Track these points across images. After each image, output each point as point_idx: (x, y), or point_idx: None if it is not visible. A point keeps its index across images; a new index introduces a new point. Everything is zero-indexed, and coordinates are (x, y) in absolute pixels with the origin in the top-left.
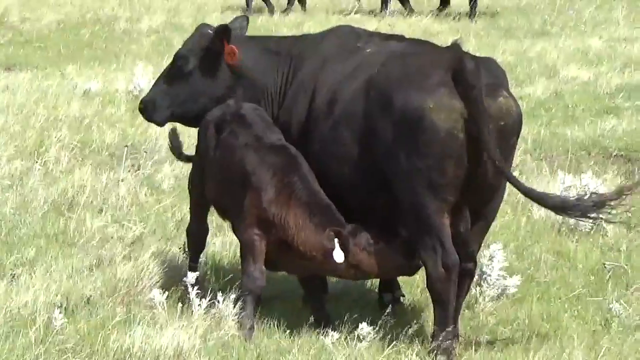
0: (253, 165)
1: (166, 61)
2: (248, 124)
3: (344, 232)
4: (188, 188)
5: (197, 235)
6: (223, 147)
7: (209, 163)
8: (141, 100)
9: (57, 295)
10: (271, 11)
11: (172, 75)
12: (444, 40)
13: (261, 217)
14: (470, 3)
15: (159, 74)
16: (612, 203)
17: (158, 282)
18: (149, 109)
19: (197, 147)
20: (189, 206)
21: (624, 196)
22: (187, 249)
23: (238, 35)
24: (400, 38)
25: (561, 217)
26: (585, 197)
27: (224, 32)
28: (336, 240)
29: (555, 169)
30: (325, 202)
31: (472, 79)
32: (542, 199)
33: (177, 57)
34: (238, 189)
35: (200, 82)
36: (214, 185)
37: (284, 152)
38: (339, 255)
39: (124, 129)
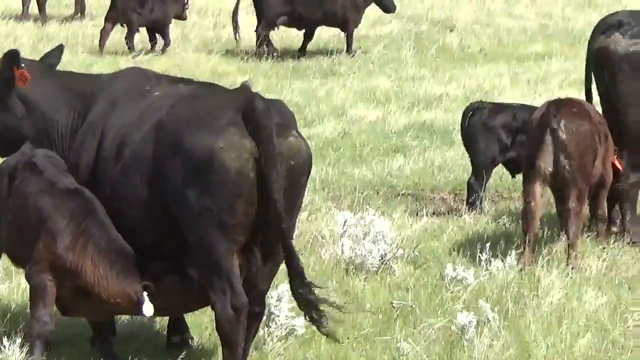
0: (48, 211)
1: None
2: (39, 171)
3: (151, 285)
4: None
5: None
6: (16, 196)
7: (3, 213)
8: None
9: None
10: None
11: None
12: (232, 80)
13: (55, 264)
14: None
15: None
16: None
17: None
18: None
19: None
20: None
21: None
22: None
23: (41, 65)
24: (188, 81)
25: (349, 256)
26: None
27: (11, 56)
28: (145, 293)
29: (342, 208)
30: (125, 248)
31: (263, 119)
32: (293, 272)
33: None
34: (33, 236)
35: None
36: (9, 235)
37: (79, 197)
38: (148, 309)
39: None
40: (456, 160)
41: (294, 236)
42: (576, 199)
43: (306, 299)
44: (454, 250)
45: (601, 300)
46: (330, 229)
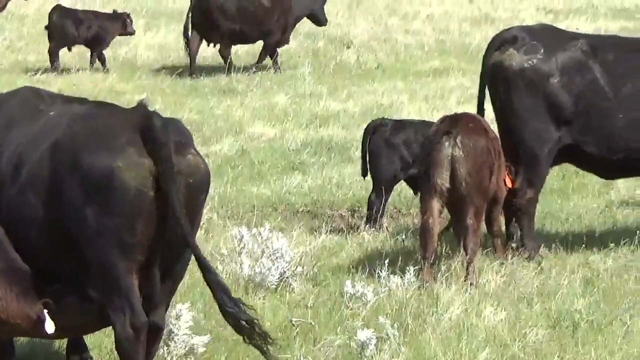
0: None
1: None
2: None
3: (51, 303)
4: None
5: None
6: None
7: None
8: None
9: None
10: None
11: None
12: (130, 99)
13: None
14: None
15: None
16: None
17: None
18: None
19: None
20: None
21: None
22: None
23: None
24: (82, 100)
25: (248, 273)
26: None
27: None
28: (46, 311)
29: (240, 225)
30: (24, 269)
31: (161, 137)
32: (215, 287)
33: None
34: None
35: None
36: None
37: None
38: (49, 327)
39: None
40: (354, 177)
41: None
42: (474, 215)
43: (234, 315)
44: (353, 267)
45: (500, 315)
46: (228, 247)
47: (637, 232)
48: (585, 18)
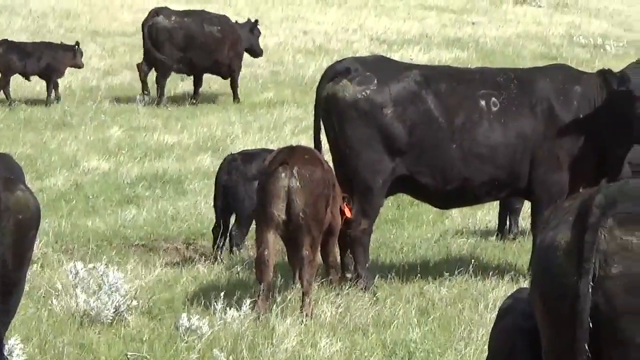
0: None
1: None
2: None
3: None
4: None
5: None
6: None
7: None
8: None
9: None
10: None
11: None
12: None
13: None
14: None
15: None
16: None
17: None
18: None
19: None
20: None
21: None
22: None
23: None
24: None
25: (84, 307)
26: None
27: None
28: None
29: (75, 260)
30: None
31: None
32: None
33: None
34: None
35: None
36: None
37: None
38: None
39: None
40: (189, 210)
41: (24, 290)
42: (309, 246)
43: None
44: (188, 300)
45: (336, 346)
46: (63, 282)
47: (472, 260)
48: (419, 48)
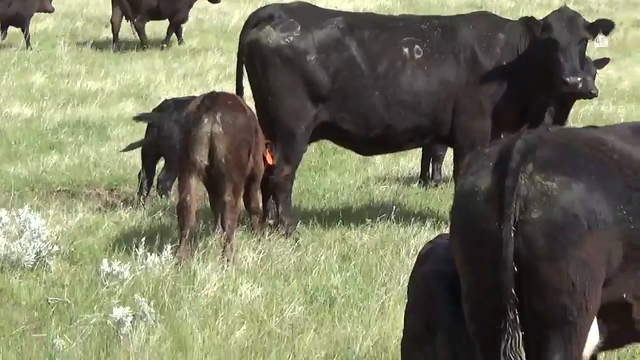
0: None
1: None
2: None
3: None
4: None
5: None
6: None
7: None
8: None
9: None
10: None
11: None
12: None
13: None
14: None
15: None
16: None
17: None
18: None
19: None
20: None
21: None
22: None
23: None
24: None
25: (4, 253)
26: None
27: None
28: None
29: None
30: None
31: None
32: None
33: None
34: None
35: None
36: None
37: None
38: None
39: None
40: (112, 156)
41: None
42: (232, 192)
43: None
44: (110, 245)
45: (257, 292)
46: None
47: (394, 207)
48: None
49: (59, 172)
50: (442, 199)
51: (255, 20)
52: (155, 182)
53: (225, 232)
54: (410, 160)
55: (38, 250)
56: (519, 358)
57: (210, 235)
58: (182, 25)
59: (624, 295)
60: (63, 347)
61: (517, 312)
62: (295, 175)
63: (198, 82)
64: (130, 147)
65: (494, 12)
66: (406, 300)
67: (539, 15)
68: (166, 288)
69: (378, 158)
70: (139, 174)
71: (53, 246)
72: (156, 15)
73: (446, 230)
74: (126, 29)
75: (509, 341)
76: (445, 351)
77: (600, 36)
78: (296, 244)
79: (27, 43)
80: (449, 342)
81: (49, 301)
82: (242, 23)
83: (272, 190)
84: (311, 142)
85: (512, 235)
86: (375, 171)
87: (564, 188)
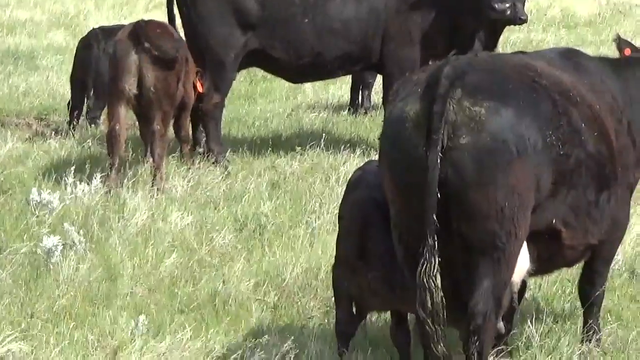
0: None
1: None
2: None
3: None
4: None
5: None
6: None
7: None
8: None
9: None
10: None
11: None
12: None
13: None
14: None
15: None
16: None
17: None
18: None
19: None
20: None
21: None
22: None
23: None
24: None
25: None
26: None
27: None
28: None
29: None
30: None
31: None
32: None
33: None
34: None
35: None
36: None
37: None
38: None
39: None
40: (41, 86)
41: None
42: (161, 120)
43: None
44: (39, 174)
45: (187, 220)
46: None
47: (323, 135)
48: None
49: None
50: (371, 126)
51: None
52: (84, 111)
53: (154, 161)
54: (340, 88)
55: None
56: (432, 283)
57: (140, 163)
58: None
59: (554, 221)
60: None
61: (435, 238)
62: (224, 103)
63: (127, 11)
64: None
65: None
66: (337, 228)
67: None
68: (96, 217)
69: (308, 86)
70: (68, 103)
71: None
72: None
73: (375, 157)
74: None
75: (424, 266)
76: (379, 278)
77: None
78: (226, 172)
79: None
80: (383, 269)
81: None
82: None
83: (201, 118)
84: (241, 70)
85: (439, 161)
86: (305, 99)
87: (492, 113)
